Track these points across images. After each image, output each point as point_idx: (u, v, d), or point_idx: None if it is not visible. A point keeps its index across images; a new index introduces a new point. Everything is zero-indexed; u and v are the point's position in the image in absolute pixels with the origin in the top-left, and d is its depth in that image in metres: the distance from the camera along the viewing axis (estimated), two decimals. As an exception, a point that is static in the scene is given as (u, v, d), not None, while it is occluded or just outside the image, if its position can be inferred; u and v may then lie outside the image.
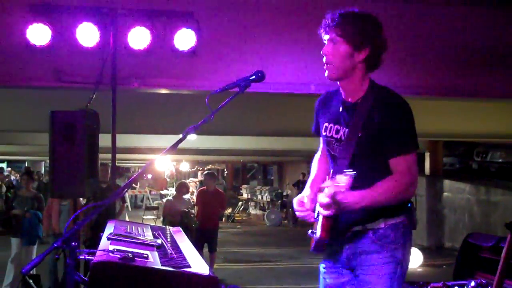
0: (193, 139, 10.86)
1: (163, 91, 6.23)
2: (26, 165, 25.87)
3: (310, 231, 2.54)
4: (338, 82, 2.55)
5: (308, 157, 19.22)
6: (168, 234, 3.24)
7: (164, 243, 2.78)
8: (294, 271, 10.39)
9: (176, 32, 5.24)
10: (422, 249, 10.89)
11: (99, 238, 2.79)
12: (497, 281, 3.43)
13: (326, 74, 2.51)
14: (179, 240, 3.08)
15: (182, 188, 9.65)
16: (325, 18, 2.52)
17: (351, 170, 2.26)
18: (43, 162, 26.88)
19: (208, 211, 8.93)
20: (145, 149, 14.14)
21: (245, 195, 23.83)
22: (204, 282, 2.25)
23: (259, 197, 22.49)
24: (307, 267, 10.63)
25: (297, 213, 2.57)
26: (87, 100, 5.37)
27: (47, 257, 2.14)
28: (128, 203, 22.45)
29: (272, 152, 18.48)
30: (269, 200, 21.51)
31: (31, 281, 6.41)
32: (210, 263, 8.40)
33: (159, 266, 2.30)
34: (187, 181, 19.90)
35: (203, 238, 8.71)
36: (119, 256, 2.26)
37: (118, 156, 5.88)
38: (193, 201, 10.46)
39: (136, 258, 2.28)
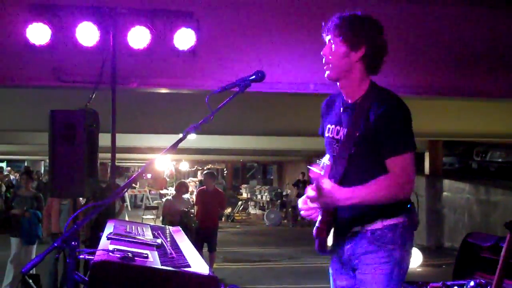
0: (192, 139, 10.85)
1: (163, 90, 6.23)
2: (26, 164, 25.87)
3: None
4: (338, 84, 2.58)
5: (307, 156, 19.26)
6: (168, 234, 3.24)
7: (164, 243, 2.78)
8: (294, 271, 10.39)
9: (176, 32, 5.24)
10: (422, 249, 10.89)
11: (99, 238, 2.79)
12: (496, 281, 3.43)
13: (325, 74, 2.56)
14: (178, 240, 3.08)
15: (182, 188, 9.65)
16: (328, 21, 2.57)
17: (330, 161, 2.34)
18: (42, 162, 26.88)
19: (208, 210, 8.93)
20: (144, 148, 14.15)
21: (244, 195, 23.85)
22: (204, 282, 2.25)
23: (259, 196, 22.51)
24: (307, 266, 10.64)
25: (301, 212, 2.61)
26: (87, 100, 5.37)
27: (47, 256, 2.14)
28: (128, 203, 22.44)
29: (271, 152, 18.50)
30: (268, 199, 21.52)
31: (30, 280, 6.40)
32: (210, 263, 8.40)
33: (159, 266, 2.31)
34: (187, 180, 19.90)
35: (203, 238, 8.72)
36: (119, 255, 2.26)
37: (117, 155, 5.88)
38: (192, 201, 10.46)
39: (136, 258, 2.28)
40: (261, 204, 22.50)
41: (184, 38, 5.24)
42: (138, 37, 5.20)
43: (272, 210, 20.41)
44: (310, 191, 2.39)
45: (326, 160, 2.48)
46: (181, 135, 2.44)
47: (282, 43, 5.73)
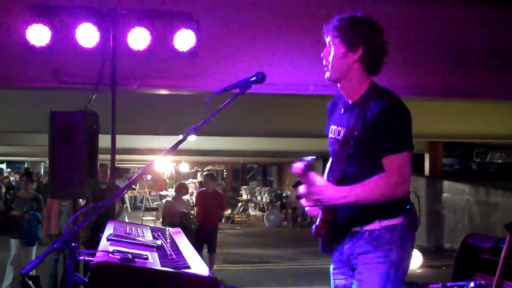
0: (192, 140, 10.86)
1: (163, 91, 6.23)
2: (26, 166, 25.89)
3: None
4: (338, 85, 2.61)
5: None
6: (168, 235, 3.24)
7: (164, 244, 2.78)
8: (294, 272, 10.39)
9: (176, 33, 5.24)
10: (422, 250, 10.90)
11: (99, 239, 2.79)
12: (496, 282, 3.43)
13: (326, 75, 2.59)
14: (178, 241, 3.08)
15: (182, 189, 9.65)
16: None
17: (314, 157, 2.37)
18: (42, 163, 26.88)
19: (208, 212, 8.93)
20: (144, 150, 14.14)
21: (244, 196, 23.83)
22: (203, 283, 2.25)
23: (259, 198, 22.49)
24: (307, 268, 10.64)
25: (306, 208, 2.65)
26: (87, 101, 5.37)
27: (46, 258, 2.14)
28: (128, 204, 22.46)
29: (271, 153, 18.48)
30: (268, 201, 21.51)
31: (30, 282, 6.40)
32: (210, 264, 8.40)
33: (159, 267, 2.30)
34: (187, 182, 19.91)
35: (203, 239, 8.71)
36: (119, 257, 2.26)
37: (117, 157, 5.88)
38: (192, 202, 10.46)
39: (136, 259, 2.28)
40: (261, 206, 22.49)
41: (184, 39, 5.23)
42: (138, 38, 5.20)
43: (272, 211, 20.40)
44: (301, 188, 2.44)
45: (309, 158, 2.48)
46: (181, 137, 2.44)
47: (282, 44, 5.73)
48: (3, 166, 28.23)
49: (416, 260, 9.68)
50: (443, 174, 14.70)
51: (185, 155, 19.05)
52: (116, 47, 5.29)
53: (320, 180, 2.41)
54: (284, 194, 21.61)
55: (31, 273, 6.27)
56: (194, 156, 21.36)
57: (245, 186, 25.61)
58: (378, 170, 2.42)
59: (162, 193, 24.34)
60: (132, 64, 5.48)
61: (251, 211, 23.21)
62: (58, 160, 4.71)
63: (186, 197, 9.84)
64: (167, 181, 28.43)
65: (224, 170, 30.63)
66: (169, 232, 3.37)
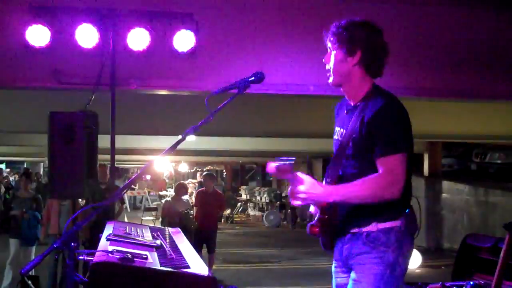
0: (192, 140, 10.86)
1: (162, 92, 6.23)
2: (25, 166, 25.88)
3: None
4: (341, 89, 2.65)
5: (306, 158, 19.26)
6: (167, 235, 3.24)
7: (163, 244, 2.79)
8: (293, 272, 10.39)
9: (175, 33, 5.24)
10: (421, 250, 10.90)
11: (98, 239, 2.79)
12: (495, 282, 3.44)
13: (329, 80, 2.64)
14: (178, 241, 3.08)
15: (181, 189, 9.64)
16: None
17: (292, 158, 2.40)
18: (42, 163, 26.86)
19: (207, 212, 8.93)
20: (144, 150, 14.14)
21: (244, 196, 23.82)
22: (203, 283, 2.25)
23: (258, 198, 22.47)
24: (306, 268, 10.64)
25: (311, 209, 2.69)
26: (86, 101, 5.38)
27: (46, 258, 2.14)
28: (127, 204, 22.44)
29: (271, 153, 18.45)
30: (268, 201, 21.49)
31: (30, 282, 6.40)
32: (209, 264, 8.40)
33: (159, 267, 2.31)
34: (186, 182, 19.90)
35: (202, 239, 8.71)
36: (118, 256, 2.27)
37: (117, 157, 5.89)
38: (192, 202, 10.46)
39: (135, 259, 2.29)
40: (260, 206, 22.48)
41: (184, 40, 5.24)
42: (138, 38, 5.21)
43: (272, 211, 20.39)
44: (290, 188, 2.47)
45: (287, 160, 2.50)
46: (180, 137, 2.45)
47: (282, 45, 5.74)
48: (3, 166, 28.21)
49: (415, 260, 9.68)
50: (443, 174, 14.71)
51: (184, 155, 19.06)
52: (115, 48, 5.29)
53: (307, 178, 2.43)
54: (283, 194, 21.58)
55: (30, 273, 6.27)
56: (194, 156, 21.37)
57: (245, 186, 25.60)
58: (375, 171, 2.44)
59: (161, 193, 24.30)
60: (131, 65, 5.49)
61: (251, 211, 23.20)
62: (57, 160, 4.71)
63: (185, 197, 9.84)
64: (167, 181, 28.41)
65: (224, 170, 30.62)
66: (169, 232, 3.38)
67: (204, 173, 10.46)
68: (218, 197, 9.31)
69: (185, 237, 3.32)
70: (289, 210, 19.85)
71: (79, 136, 4.69)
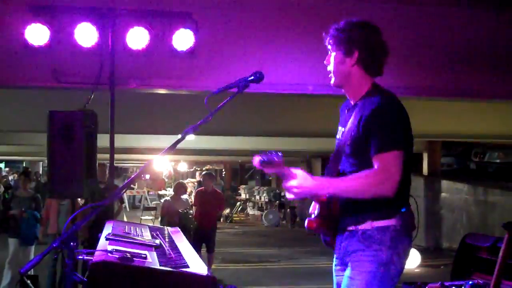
0: (191, 139, 10.85)
1: (162, 91, 6.23)
2: (24, 165, 25.85)
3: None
4: (343, 90, 2.68)
5: (305, 157, 19.27)
6: (166, 235, 3.24)
7: (163, 243, 2.79)
8: (293, 272, 10.40)
9: (174, 33, 5.24)
10: (420, 249, 10.91)
11: (97, 239, 2.79)
12: (494, 281, 3.44)
13: (331, 82, 2.68)
14: (177, 240, 3.08)
15: (180, 189, 9.65)
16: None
17: (279, 154, 2.42)
18: (41, 163, 26.85)
19: (206, 211, 8.93)
20: (143, 149, 14.13)
21: (243, 196, 23.81)
22: (202, 282, 2.25)
23: (257, 197, 22.47)
24: (306, 267, 10.64)
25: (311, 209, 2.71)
26: (86, 100, 5.37)
27: (45, 257, 2.14)
28: (126, 204, 22.42)
29: (270, 153, 18.44)
30: (267, 200, 21.50)
31: (29, 281, 6.40)
32: (208, 264, 8.40)
33: (158, 266, 2.31)
34: (185, 181, 19.90)
35: (201, 239, 8.71)
36: (117, 256, 2.27)
37: (116, 156, 5.88)
38: (191, 202, 10.46)
39: (134, 258, 2.29)
40: (260, 205, 22.48)
41: (183, 39, 5.24)
42: (137, 38, 5.20)
43: (271, 211, 20.39)
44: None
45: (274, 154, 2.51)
46: (179, 136, 2.45)
47: (281, 44, 5.74)
48: (2, 165, 28.22)
49: (414, 260, 9.69)
50: (442, 173, 14.71)
51: (183, 154, 19.05)
52: (115, 47, 5.29)
53: (299, 172, 2.46)
54: (282, 194, 21.60)
55: (29, 272, 6.27)
56: (193, 156, 21.35)
57: (244, 186, 25.59)
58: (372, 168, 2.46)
59: (160, 192, 24.31)
60: (130, 64, 5.49)
61: (250, 211, 23.20)
62: (56, 160, 4.71)
63: (184, 197, 9.84)
64: (166, 180, 28.41)
65: (223, 170, 30.61)
66: (168, 232, 3.38)
67: (204, 172, 10.47)
68: (217, 197, 9.31)
69: (184, 237, 3.32)
70: (288, 210, 19.85)
71: (79, 135, 4.69)
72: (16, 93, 8.01)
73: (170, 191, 20.65)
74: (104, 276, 2.20)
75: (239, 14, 5.74)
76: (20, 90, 7.02)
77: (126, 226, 3.23)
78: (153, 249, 2.64)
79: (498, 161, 15.02)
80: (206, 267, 2.39)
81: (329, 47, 2.64)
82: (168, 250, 2.66)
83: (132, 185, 22.50)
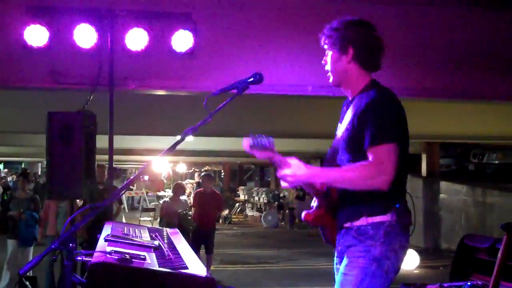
0: (190, 141, 10.85)
1: (161, 92, 6.22)
2: (23, 166, 25.84)
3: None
4: (341, 88, 2.70)
5: (304, 158, 19.26)
6: (165, 236, 3.24)
7: (162, 245, 2.79)
8: (291, 273, 10.39)
9: (173, 34, 5.24)
10: (419, 250, 10.91)
11: (96, 240, 2.79)
12: (493, 282, 3.44)
13: (330, 81, 2.70)
14: (176, 242, 3.08)
15: (179, 190, 9.64)
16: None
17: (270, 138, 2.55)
18: (40, 164, 26.84)
19: (205, 212, 8.92)
20: (142, 150, 14.12)
21: (242, 197, 23.82)
22: (201, 284, 2.25)
23: (256, 198, 22.47)
24: (304, 268, 10.64)
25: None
26: (85, 102, 5.37)
27: (44, 258, 2.14)
28: (125, 205, 22.43)
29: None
30: (266, 201, 21.50)
31: (27, 282, 6.39)
32: (207, 265, 8.40)
33: (157, 268, 2.31)
34: (184, 182, 19.90)
35: (200, 240, 8.71)
36: (116, 257, 2.27)
37: (115, 157, 5.87)
38: (190, 203, 10.45)
39: (133, 260, 2.29)
40: (259, 206, 22.48)
41: (182, 40, 5.24)
42: (136, 39, 5.20)
43: (270, 212, 20.39)
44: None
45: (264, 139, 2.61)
46: (179, 137, 2.45)
47: (280, 45, 5.73)
48: (1, 166, 28.19)
49: (413, 261, 9.70)
50: (440, 174, 14.72)
51: (182, 155, 19.04)
52: (114, 48, 5.29)
53: (293, 161, 2.48)
54: (281, 195, 21.60)
55: (28, 273, 6.27)
56: (192, 157, 21.35)
57: (243, 187, 25.61)
58: None
59: (159, 193, 24.32)
60: (130, 65, 5.48)
61: (249, 212, 23.19)
62: (55, 161, 4.71)
63: (183, 198, 9.84)
64: (165, 181, 28.41)
65: (222, 171, 30.63)
66: (167, 233, 3.38)
67: (202, 173, 10.47)
68: (216, 198, 9.31)
69: (183, 238, 3.32)
70: (287, 211, 19.86)
71: (77, 137, 4.69)
72: (15, 94, 8.00)
73: (169, 192, 20.66)
74: (103, 277, 2.19)
75: (238, 14, 5.74)
76: (19, 91, 7.01)
77: (125, 227, 3.23)
78: (152, 250, 2.64)
79: (496, 162, 15.04)
80: (205, 268, 2.39)
81: (325, 47, 2.67)
82: (167, 251, 2.66)
83: (131, 186, 22.50)
